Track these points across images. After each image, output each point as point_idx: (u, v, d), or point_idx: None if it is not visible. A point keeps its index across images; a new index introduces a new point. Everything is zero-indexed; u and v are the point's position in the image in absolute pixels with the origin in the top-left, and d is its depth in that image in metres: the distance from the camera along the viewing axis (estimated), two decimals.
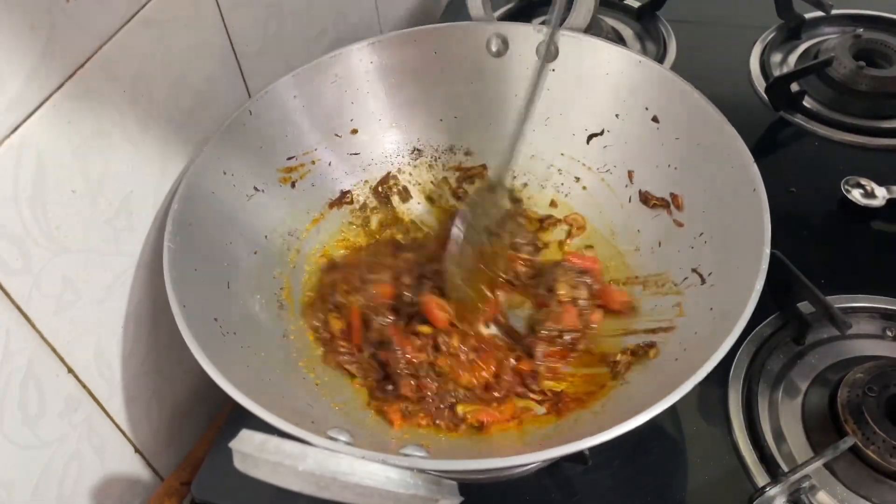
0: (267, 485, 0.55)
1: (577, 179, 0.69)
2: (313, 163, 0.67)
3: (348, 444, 0.37)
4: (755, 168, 0.55)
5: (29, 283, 0.46)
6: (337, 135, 0.68)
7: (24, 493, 0.50)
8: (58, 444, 0.51)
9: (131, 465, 0.59)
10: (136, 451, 0.59)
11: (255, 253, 0.60)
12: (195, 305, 0.49)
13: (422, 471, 0.36)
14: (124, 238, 0.54)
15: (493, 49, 0.68)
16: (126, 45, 0.50)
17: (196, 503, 0.57)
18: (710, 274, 0.56)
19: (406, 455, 0.37)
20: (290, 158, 0.65)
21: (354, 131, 0.69)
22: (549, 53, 0.61)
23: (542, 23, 0.86)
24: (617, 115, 0.66)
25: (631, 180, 0.65)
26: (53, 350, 0.49)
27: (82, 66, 0.47)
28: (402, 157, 0.71)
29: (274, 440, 0.34)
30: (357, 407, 0.54)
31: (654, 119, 0.64)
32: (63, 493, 0.53)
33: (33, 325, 0.48)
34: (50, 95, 0.45)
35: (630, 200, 0.65)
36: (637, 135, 0.65)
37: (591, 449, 0.50)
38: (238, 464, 0.35)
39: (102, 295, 0.53)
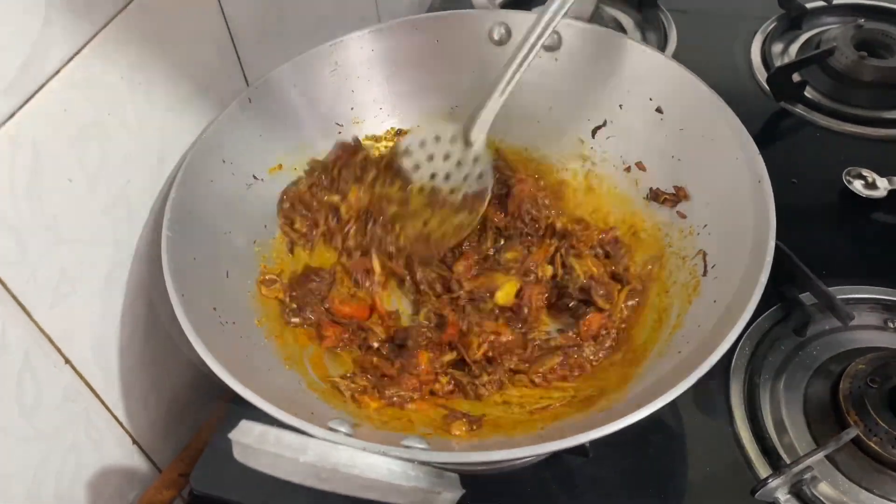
0: (265, 476, 0.55)
1: (579, 169, 0.68)
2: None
3: (349, 435, 0.37)
4: (760, 159, 0.55)
5: (26, 274, 0.46)
6: (337, 122, 0.67)
7: (21, 485, 0.49)
8: (55, 436, 0.51)
9: (129, 457, 0.59)
10: (134, 442, 0.59)
11: (255, 242, 0.60)
12: (194, 295, 0.48)
13: (423, 463, 0.36)
14: (122, 228, 0.53)
15: (496, 37, 0.67)
16: (123, 31, 0.49)
17: (194, 494, 0.57)
18: (713, 266, 0.55)
19: (407, 447, 0.37)
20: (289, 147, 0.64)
21: (355, 120, 0.68)
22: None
23: None
24: (620, 106, 0.66)
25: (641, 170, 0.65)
26: (50, 341, 0.49)
27: (78, 52, 0.46)
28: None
29: (274, 431, 0.34)
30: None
31: (658, 110, 0.63)
32: (60, 485, 0.52)
33: (30, 316, 0.47)
34: (46, 83, 0.45)
35: (638, 192, 0.64)
36: (641, 126, 0.64)
37: (592, 441, 0.50)
38: (238, 455, 0.34)
39: (100, 285, 0.52)
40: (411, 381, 0.54)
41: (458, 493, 0.35)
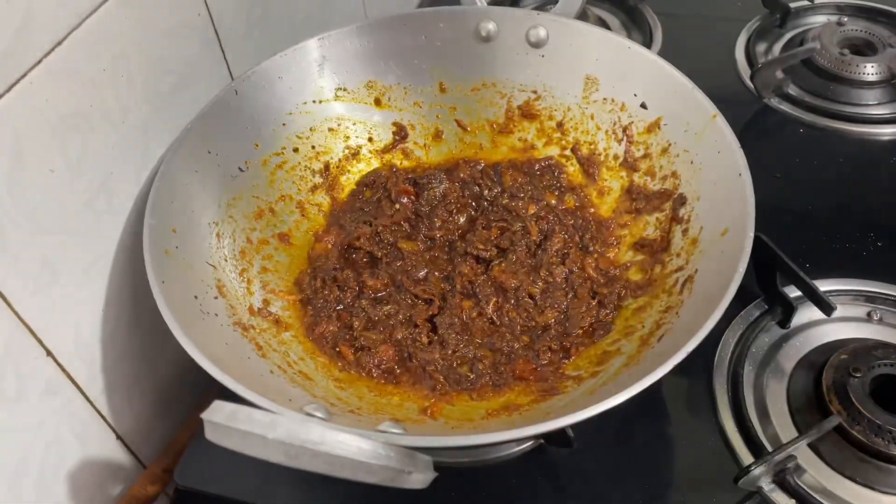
0: (249, 471, 0.55)
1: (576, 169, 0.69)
2: (298, 146, 0.66)
3: (324, 419, 0.36)
4: (741, 153, 0.55)
5: (6, 263, 0.46)
6: (326, 117, 0.68)
7: (2, 477, 0.49)
8: (37, 429, 0.51)
9: (113, 452, 0.58)
10: (118, 437, 0.58)
11: (240, 232, 0.60)
12: (175, 283, 0.48)
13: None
14: (104, 220, 0.53)
15: (483, 34, 0.68)
16: (106, 23, 0.49)
17: (179, 490, 0.57)
18: (704, 262, 0.55)
19: (381, 431, 0.37)
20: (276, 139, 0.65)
21: (344, 115, 0.68)
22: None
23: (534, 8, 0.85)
24: (605, 100, 0.66)
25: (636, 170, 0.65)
26: (32, 332, 0.49)
27: (60, 43, 0.46)
28: (389, 139, 0.71)
29: (245, 410, 0.34)
30: (339, 385, 0.54)
31: (643, 106, 0.64)
32: (42, 479, 0.52)
33: (10, 306, 0.47)
34: (27, 72, 0.45)
35: (634, 191, 0.65)
36: (627, 122, 0.65)
37: (576, 432, 0.50)
38: (209, 434, 0.34)
39: (82, 277, 0.52)
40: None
41: (430, 475, 0.35)
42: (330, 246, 0.64)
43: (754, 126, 0.80)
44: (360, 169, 0.70)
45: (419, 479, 0.35)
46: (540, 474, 0.55)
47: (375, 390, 0.54)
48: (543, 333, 0.57)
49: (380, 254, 0.63)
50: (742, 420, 0.55)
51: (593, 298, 0.59)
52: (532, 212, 0.65)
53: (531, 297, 0.59)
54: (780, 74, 0.81)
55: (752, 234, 0.50)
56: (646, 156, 0.64)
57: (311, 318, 0.58)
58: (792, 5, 0.89)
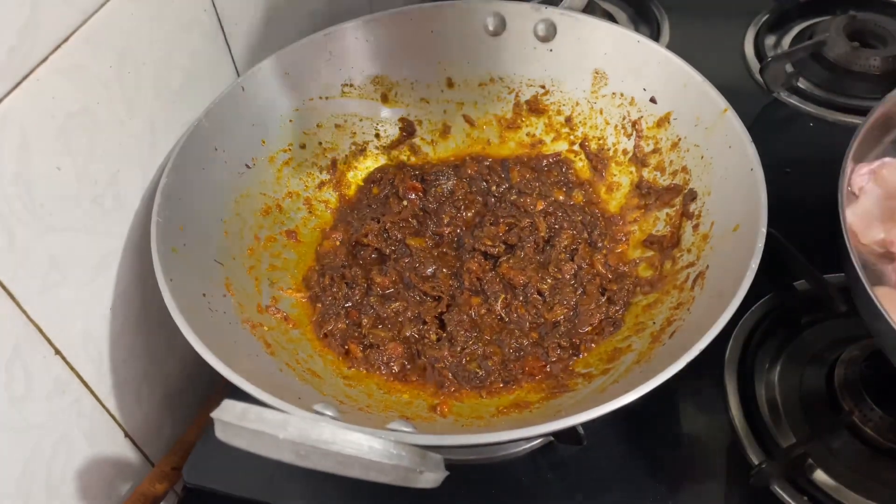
0: (258, 469, 0.55)
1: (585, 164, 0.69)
2: (305, 142, 0.66)
3: (334, 418, 0.36)
4: (752, 148, 0.55)
5: (14, 262, 0.46)
6: (332, 114, 0.67)
7: (10, 476, 0.49)
8: (45, 428, 0.51)
9: (121, 450, 0.58)
10: (126, 435, 0.58)
11: (248, 229, 0.60)
12: (183, 280, 0.48)
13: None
14: (112, 218, 0.53)
15: (490, 28, 0.67)
16: (112, 20, 0.49)
17: (187, 488, 0.57)
18: (715, 258, 0.55)
19: (392, 430, 0.36)
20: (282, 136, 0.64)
21: (350, 111, 0.68)
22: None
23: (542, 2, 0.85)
24: (614, 95, 0.66)
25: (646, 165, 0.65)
26: (40, 331, 0.49)
27: (67, 40, 0.46)
28: (396, 135, 0.71)
29: (255, 409, 0.34)
30: (348, 383, 0.54)
31: (652, 100, 0.63)
32: (51, 477, 0.52)
33: (19, 305, 0.47)
34: (33, 69, 0.44)
35: (643, 186, 0.65)
36: (636, 116, 0.65)
37: (586, 429, 0.50)
38: (219, 433, 0.34)
39: (89, 275, 0.52)
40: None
41: (441, 474, 0.35)
42: (338, 243, 0.64)
43: (763, 120, 0.79)
44: (367, 165, 0.69)
45: (431, 478, 0.35)
46: (550, 471, 0.55)
47: (385, 388, 0.54)
48: (552, 330, 0.57)
49: (388, 251, 0.63)
50: (753, 417, 0.55)
51: (602, 295, 0.59)
52: (540, 208, 0.64)
53: (540, 293, 0.59)
54: (789, 68, 0.80)
55: (764, 230, 0.49)
56: (655, 151, 0.64)
57: (319, 316, 0.58)
58: None
